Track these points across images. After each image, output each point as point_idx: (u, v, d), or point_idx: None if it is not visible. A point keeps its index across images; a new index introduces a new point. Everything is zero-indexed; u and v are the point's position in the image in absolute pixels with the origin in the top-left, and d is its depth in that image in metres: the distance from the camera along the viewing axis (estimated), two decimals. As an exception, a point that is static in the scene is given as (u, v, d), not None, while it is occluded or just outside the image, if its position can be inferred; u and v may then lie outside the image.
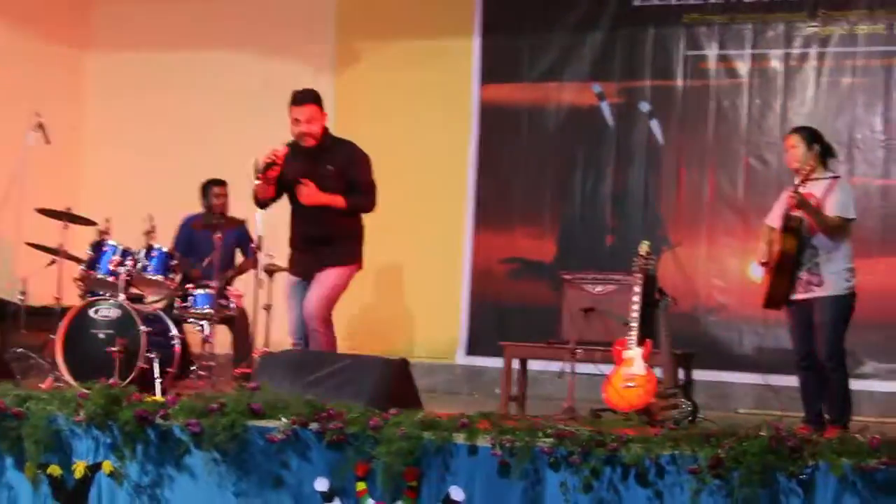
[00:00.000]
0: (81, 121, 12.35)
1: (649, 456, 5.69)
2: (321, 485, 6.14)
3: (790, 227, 7.67)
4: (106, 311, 8.77)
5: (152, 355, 8.60)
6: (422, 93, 11.11)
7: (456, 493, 5.96)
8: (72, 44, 12.34)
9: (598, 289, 8.99)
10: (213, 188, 10.39)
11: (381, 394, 6.75)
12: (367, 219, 8.32)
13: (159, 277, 9.13)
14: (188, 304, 9.38)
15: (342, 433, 6.08)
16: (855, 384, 8.02)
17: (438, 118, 11.04)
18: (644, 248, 8.40)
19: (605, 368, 8.22)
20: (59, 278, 9.22)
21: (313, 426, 6.15)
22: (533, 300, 10.58)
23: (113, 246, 9.06)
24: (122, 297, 8.83)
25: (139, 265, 9.02)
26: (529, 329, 9.70)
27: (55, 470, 6.48)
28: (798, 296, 7.71)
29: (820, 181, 7.72)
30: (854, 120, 10.07)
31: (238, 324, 9.57)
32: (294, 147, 8.08)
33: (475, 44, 11.25)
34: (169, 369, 8.81)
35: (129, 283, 9.00)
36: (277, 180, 8.07)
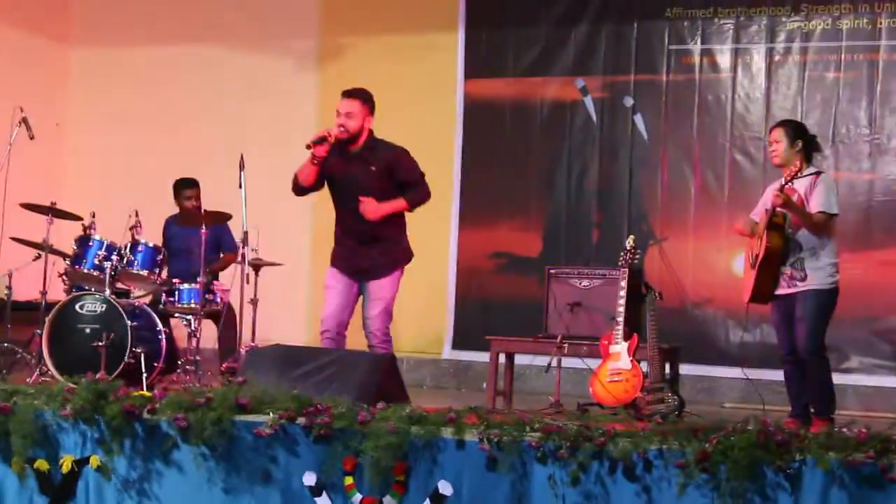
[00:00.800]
0: (65, 116, 12.32)
1: (637, 450, 5.70)
2: (309, 479, 6.13)
3: (775, 223, 7.69)
4: (92, 305, 8.77)
5: (138, 350, 8.60)
6: (406, 88, 11.10)
7: (444, 487, 5.96)
8: (55, 38, 12.32)
9: (585, 283, 9.01)
10: (184, 191, 10.23)
11: (369, 388, 6.75)
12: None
13: (144, 272, 9.13)
14: (174, 298, 9.37)
15: (330, 428, 6.07)
16: (840, 378, 8.05)
17: (423, 113, 11.04)
18: (630, 242, 8.42)
19: (592, 363, 8.24)
20: (45, 273, 9.20)
21: (301, 421, 6.14)
22: (519, 295, 10.60)
23: (98, 241, 9.06)
24: (107, 291, 8.83)
25: (124, 260, 9.02)
26: (516, 324, 9.72)
27: (42, 464, 6.47)
28: (782, 291, 7.74)
29: (803, 178, 7.73)
30: (838, 114, 10.09)
31: (225, 319, 9.56)
32: (340, 146, 8.00)
33: (459, 38, 11.26)
34: (155, 364, 8.81)
35: (114, 278, 9.00)
36: (320, 173, 8.00)
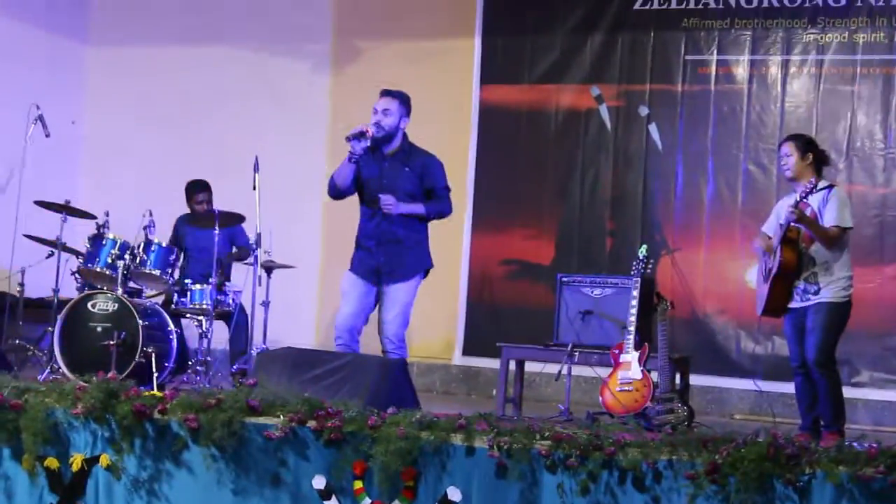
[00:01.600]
0: (81, 114, 12.35)
1: (646, 461, 5.69)
2: (318, 483, 6.13)
3: (788, 238, 7.70)
4: (104, 304, 8.79)
5: (149, 349, 8.61)
6: (421, 93, 11.01)
7: (453, 493, 5.96)
8: (72, 37, 12.34)
9: (596, 292, 9.01)
10: (196, 194, 10.24)
11: (380, 393, 6.74)
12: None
13: (157, 272, 9.15)
14: (186, 299, 9.38)
15: (340, 432, 6.06)
16: (851, 392, 8.03)
17: (438, 119, 11.02)
18: (643, 251, 8.43)
19: (602, 372, 8.23)
20: (58, 271, 9.23)
21: (311, 424, 6.14)
22: (531, 302, 10.59)
23: (111, 240, 9.08)
24: (119, 290, 8.85)
25: (137, 259, 9.04)
26: (527, 331, 9.73)
27: (52, 463, 6.46)
28: (795, 304, 7.74)
29: (816, 192, 7.73)
30: (853, 128, 10.08)
31: (236, 320, 9.56)
32: (376, 146, 8.00)
33: (476, 45, 11.26)
34: (166, 364, 8.83)
35: (126, 277, 9.02)
36: (356, 174, 8.00)
